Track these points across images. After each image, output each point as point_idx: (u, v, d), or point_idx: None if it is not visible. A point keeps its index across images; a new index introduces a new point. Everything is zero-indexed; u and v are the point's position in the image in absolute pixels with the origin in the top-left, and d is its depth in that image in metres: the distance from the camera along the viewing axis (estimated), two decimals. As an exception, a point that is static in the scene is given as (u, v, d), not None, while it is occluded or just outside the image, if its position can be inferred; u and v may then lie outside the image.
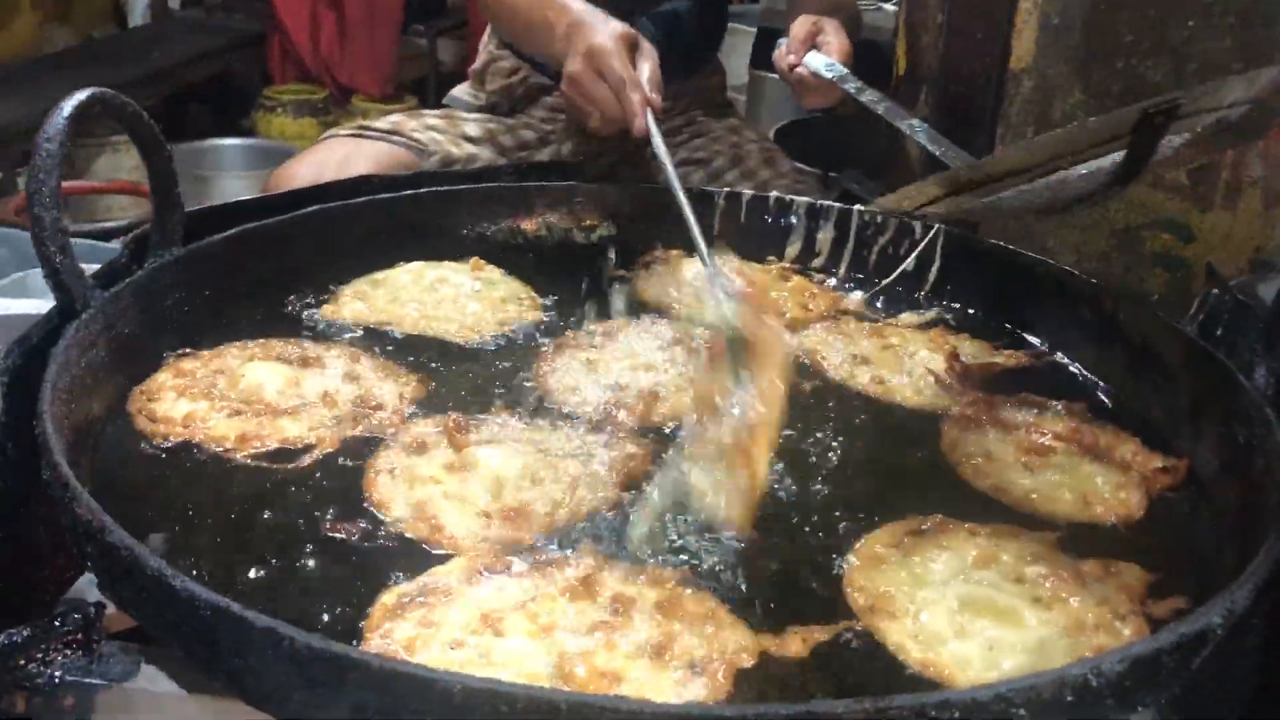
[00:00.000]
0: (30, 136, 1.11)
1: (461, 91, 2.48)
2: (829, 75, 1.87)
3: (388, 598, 0.93)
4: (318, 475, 1.11)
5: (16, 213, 2.77)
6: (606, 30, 1.70)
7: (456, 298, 1.46)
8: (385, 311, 1.42)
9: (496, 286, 1.50)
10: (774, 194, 1.65)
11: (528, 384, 1.30)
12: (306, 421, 1.19)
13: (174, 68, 4.30)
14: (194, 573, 0.94)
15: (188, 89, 4.50)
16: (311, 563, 0.98)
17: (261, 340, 1.32)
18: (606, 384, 1.28)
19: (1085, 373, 1.39)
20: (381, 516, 1.04)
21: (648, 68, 1.69)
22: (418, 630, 0.89)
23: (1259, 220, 2.08)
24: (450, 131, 2.31)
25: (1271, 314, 1.14)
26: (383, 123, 2.29)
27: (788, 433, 1.18)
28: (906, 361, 1.38)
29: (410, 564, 0.97)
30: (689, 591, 0.94)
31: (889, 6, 3.12)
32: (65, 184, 1.28)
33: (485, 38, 2.46)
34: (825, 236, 1.63)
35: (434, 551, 1.00)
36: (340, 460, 1.13)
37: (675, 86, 2.38)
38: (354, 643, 0.88)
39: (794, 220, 1.64)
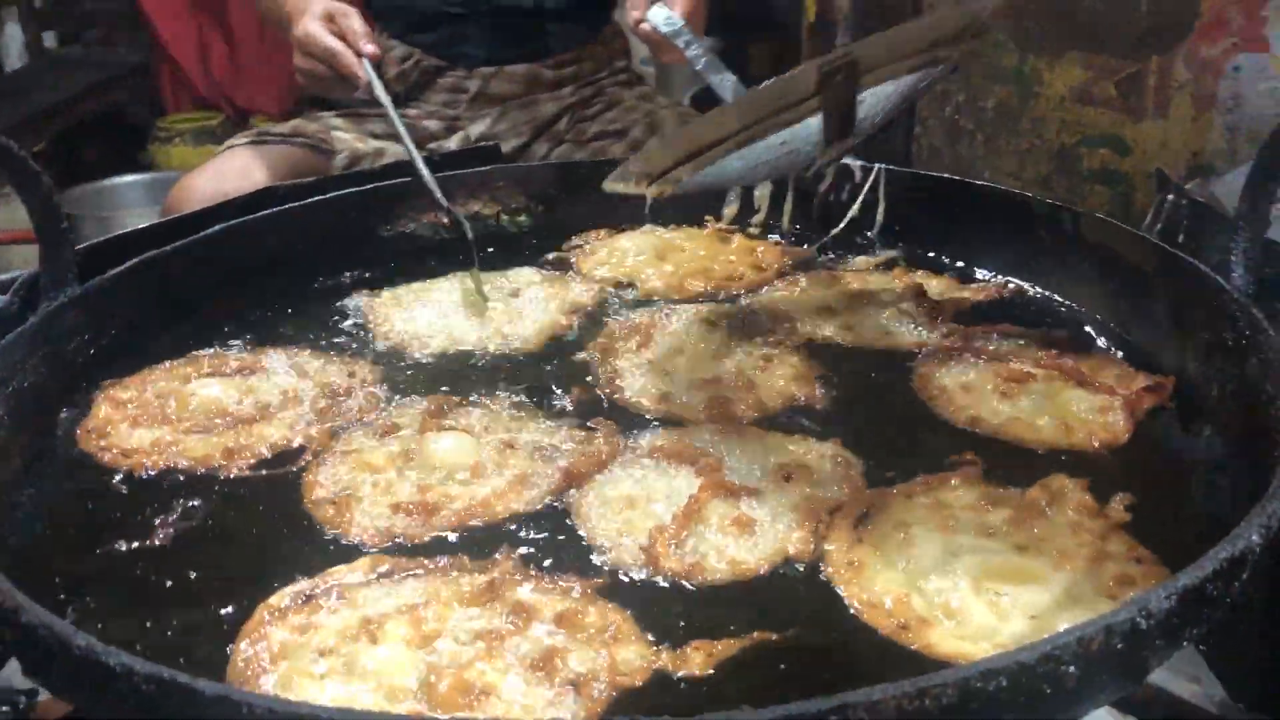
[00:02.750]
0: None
1: (359, 93, 2.37)
2: (665, 29, 1.74)
3: (276, 599, 0.88)
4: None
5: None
6: (304, 15, 1.85)
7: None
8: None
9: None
10: (704, 154, 1.56)
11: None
12: (285, 423, 1.14)
13: (57, 107, 4.12)
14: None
15: (77, 128, 4.31)
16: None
17: (187, 357, 1.25)
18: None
19: (1057, 298, 1.33)
20: (306, 499, 1.02)
21: (352, 23, 1.83)
22: (292, 636, 0.84)
23: (1191, 125, 2.05)
24: (354, 129, 2.20)
25: (1246, 210, 1.09)
26: (282, 127, 2.19)
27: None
28: (872, 307, 1.32)
29: (322, 555, 0.94)
30: (595, 606, 0.87)
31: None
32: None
33: (374, 32, 2.35)
34: (762, 192, 1.55)
35: (343, 542, 0.96)
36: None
37: (576, 51, 2.31)
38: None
39: (730, 179, 1.55)
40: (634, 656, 0.83)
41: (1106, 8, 1.95)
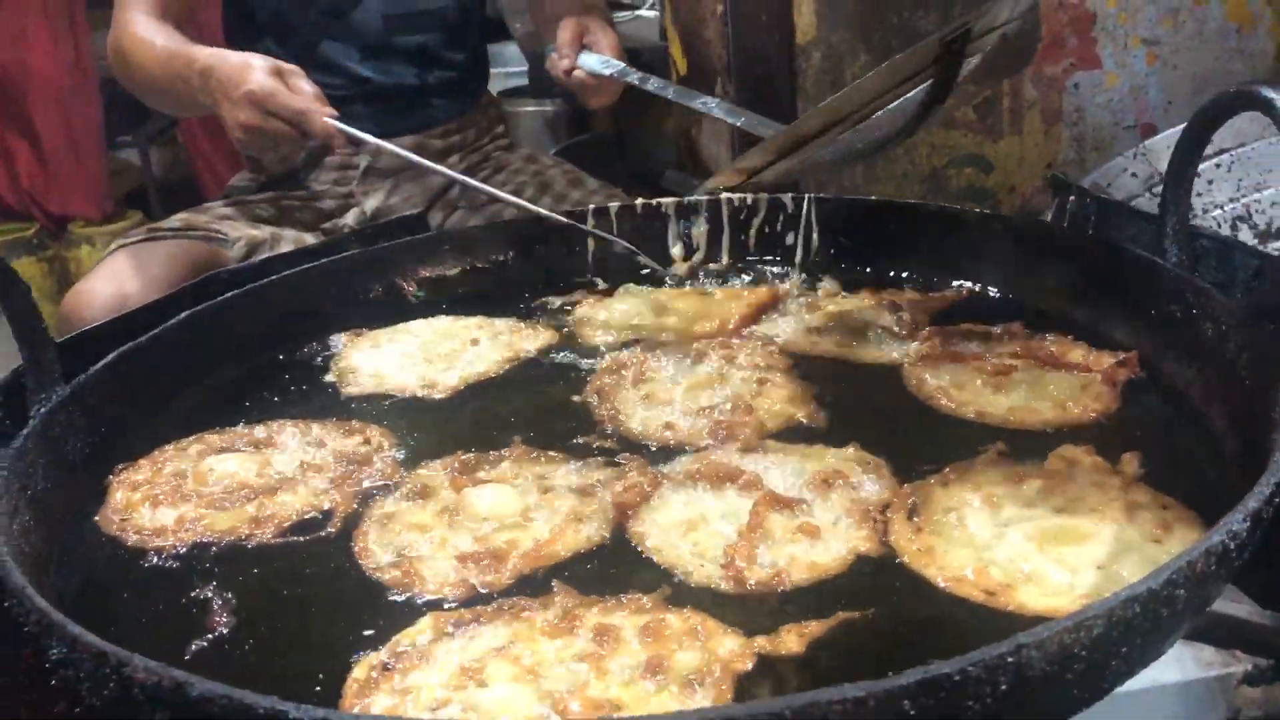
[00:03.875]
0: None
1: (240, 179, 2.35)
2: (608, 72, 1.89)
3: (358, 672, 0.87)
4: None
5: None
6: (253, 71, 1.76)
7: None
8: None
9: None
10: (639, 201, 1.63)
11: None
12: (307, 491, 1.13)
13: None
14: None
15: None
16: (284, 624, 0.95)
17: (195, 436, 1.25)
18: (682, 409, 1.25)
19: (1008, 294, 1.45)
20: (364, 566, 1.02)
21: (304, 84, 1.78)
22: (395, 699, 0.84)
23: (1043, 139, 2.25)
24: (244, 217, 2.17)
25: (1170, 198, 1.22)
26: (171, 222, 2.14)
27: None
28: (852, 326, 1.40)
29: (389, 617, 0.94)
30: (670, 614, 0.90)
31: (647, 13, 3.17)
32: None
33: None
34: (699, 231, 1.63)
35: (416, 600, 0.96)
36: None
37: (458, 120, 2.35)
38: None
39: (668, 222, 1.63)
40: (733, 646, 0.86)
41: (959, 40, 2.13)
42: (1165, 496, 1.00)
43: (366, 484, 1.14)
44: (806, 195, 1.58)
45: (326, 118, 1.74)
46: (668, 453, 1.16)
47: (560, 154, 3.02)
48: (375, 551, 1.03)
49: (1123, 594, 0.72)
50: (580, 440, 1.20)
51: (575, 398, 1.31)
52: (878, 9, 2.12)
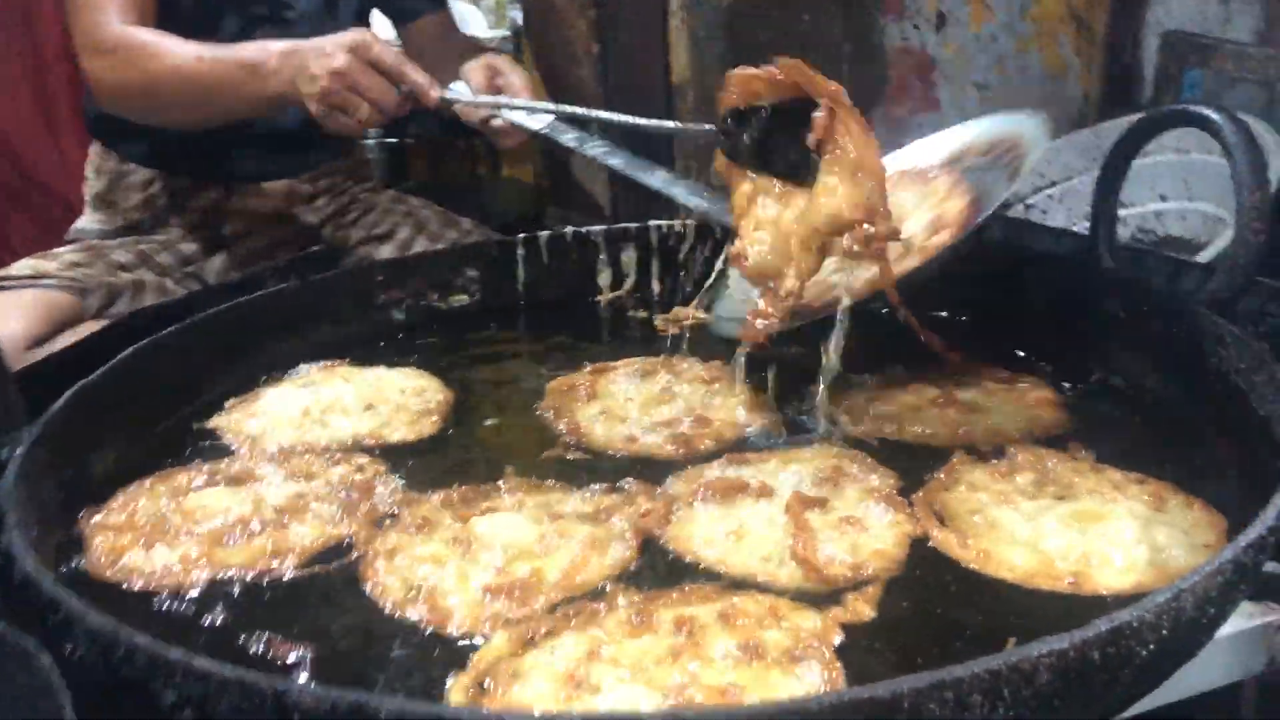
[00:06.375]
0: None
1: (87, 222, 2.19)
2: (536, 127, 1.76)
3: (455, 696, 0.84)
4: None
5: None
6: (351, 31, 1.70)
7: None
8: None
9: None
10: (569, 229, 1.64)
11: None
12: (319, 520, 1.07)
13: None
14: None
15: None
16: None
17: (158, 475, 1.16)
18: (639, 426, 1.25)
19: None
20: (381, 603, 0.96)
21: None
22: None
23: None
24: (98, 263, 2.03)
25: (1098, 205, 1.35)
26: (19, 269, 1.97)
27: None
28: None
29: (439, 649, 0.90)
30: (738, 598, 0.92)
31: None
32: None
33: (96, 159, 2.19)
34: (629, 259, 1.65)
35: (453, 637, 0.92)
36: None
37: (329, 165, 2.29)
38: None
39: (598, 250, 1.64)
40: (814, 621, 0.88)
41: (819, 82, 2.26)
42: (1134, 473, 1.07)
43: (383, 509, 1.09)
44: (733, 221, 1.62)
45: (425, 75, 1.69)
46: (662, 471, 1.15)
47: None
48: (391, 588, 0.98)
49: (1218, 561, 0.78)
50: (549, 454, 1.21)
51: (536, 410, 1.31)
52: (746, 51, 2.22)
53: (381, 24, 2.41)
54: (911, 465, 1.12)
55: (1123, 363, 1.30)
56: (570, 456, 1.21)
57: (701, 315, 1.48)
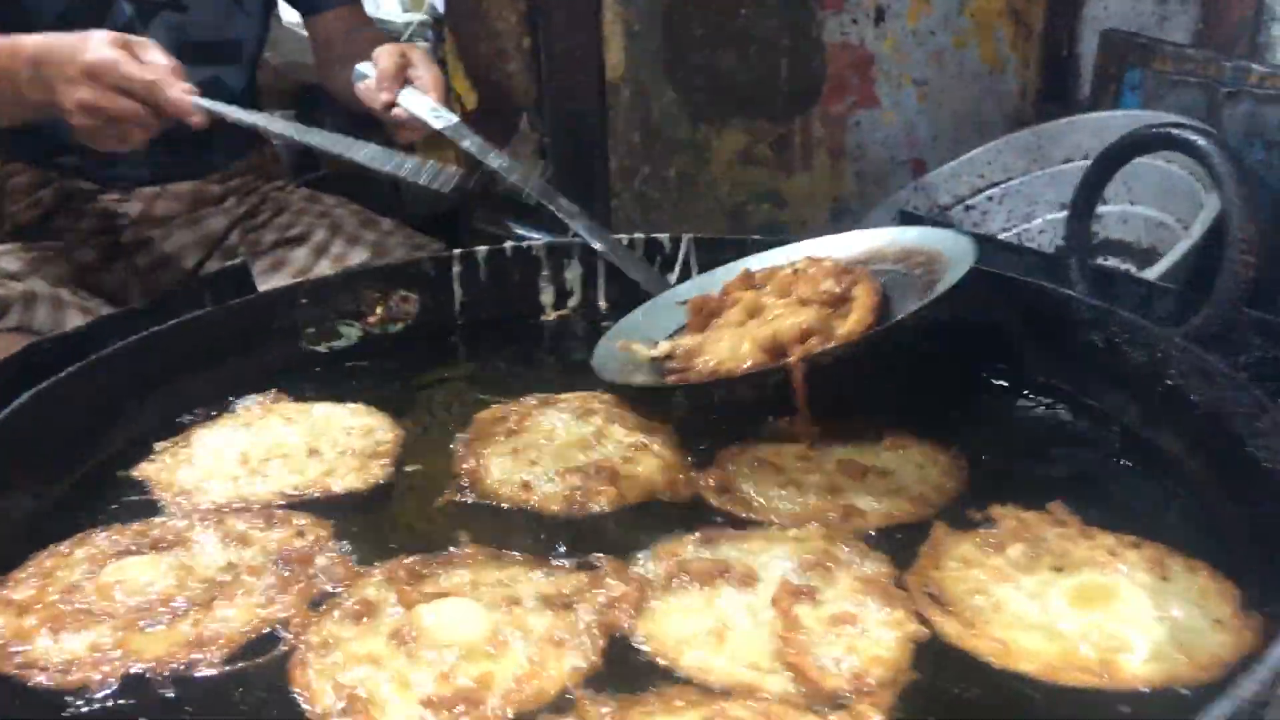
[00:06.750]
0: None
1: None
2: (439, 125, 1.69)
3: None
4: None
5: None
6: (93, 43, 1.49)
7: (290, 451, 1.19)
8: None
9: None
10: (509, 244, 1.54)
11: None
12: (250, 601, 0.95)
13: None
14: None
15: None
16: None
17: (75, 538, 1.04)
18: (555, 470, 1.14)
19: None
20: (308, 710, 0.84)
21: (156, 55, 1.53)
22: None
23: (830, 174, 2.34)
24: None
25: (1072, 235, 1.30)
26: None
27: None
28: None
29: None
30: (726, 703, 0.83)
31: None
32: None
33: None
34: (573, 274, 1.55)
35: None
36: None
37: (239, 163, 2.14)
38: None
39: (539, 266, 1.54)
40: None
41: (757, 79, 2.19)
42: (1127, 535, 1.00)
43: (321, 586, 0.97)
44: (684, 236, 1.54)
45: (184, 91, 1.49)
46: (638, 546, 1.03)
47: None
48: (322, 692, 0.85)
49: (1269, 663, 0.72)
50: (443, 498, 1.12)
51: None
52: (683, 46, 2.13)
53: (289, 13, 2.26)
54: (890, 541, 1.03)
55: (1099, 398, 1.25)
56: (459, 499, 1.11)
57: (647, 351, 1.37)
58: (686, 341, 1.30)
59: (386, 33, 2.38)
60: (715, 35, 2.14)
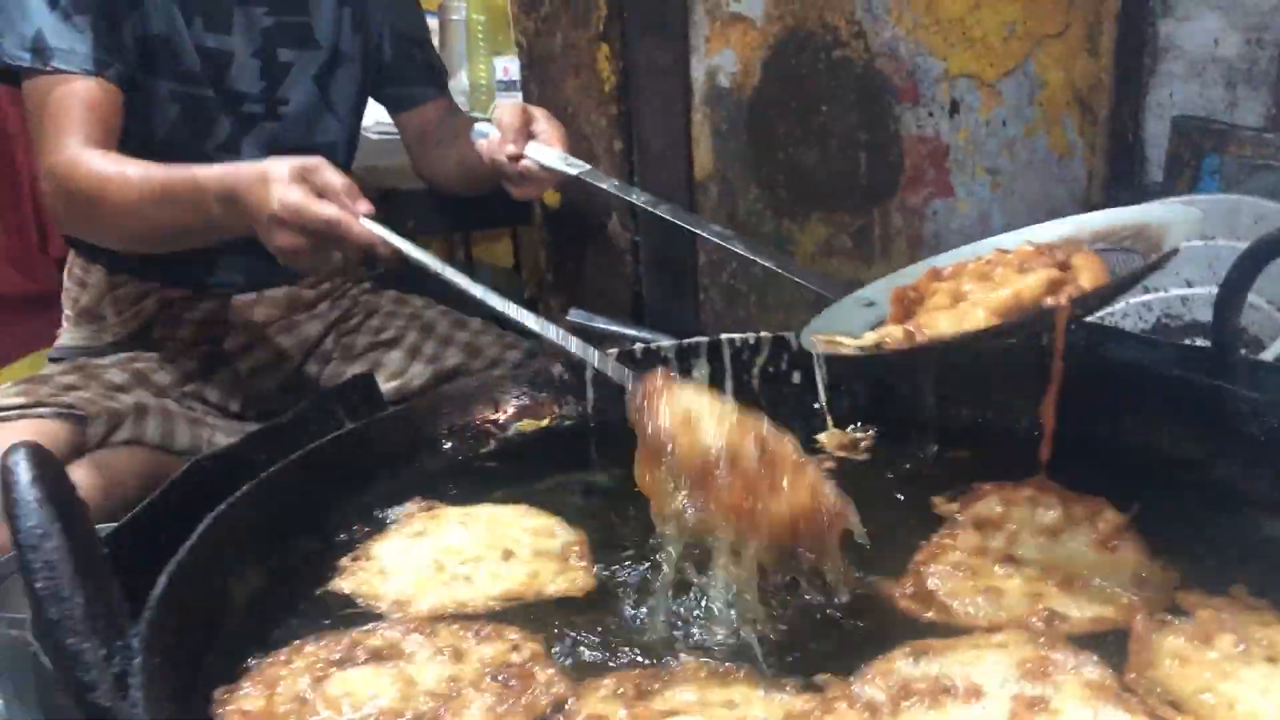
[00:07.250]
0: None
1: (71, 339, 2.02)
2: (574, 172, 1.74)
3: None
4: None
5: None
6: (272, 186, 1.47)
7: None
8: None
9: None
10: (638, 346, 1.55)
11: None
12: (485, 717, 0.95)
13: None
14: None
15: None
16: None
17: (291, 647, 1.04)
18: None
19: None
20: None
21: (331, 177, 1.49)
22: None
23: (908, 264, 2.35)
24: (92, 385, 1.87)
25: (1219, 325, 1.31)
26: (9, 397, 1.80)
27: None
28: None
29: None
30: None
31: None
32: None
33: (78, 271, 2.03)
34: (700, 375, 1.56)
35: None
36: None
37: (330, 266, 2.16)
38: None
39: (669, 366, 1.55)
40: None
41: (837, 173, 2.22)
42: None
43: (546, 700, 0.97)
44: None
45: (362, 218, 1.46)
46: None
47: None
48: None
49: None
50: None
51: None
52: (766, 144, 2.16)
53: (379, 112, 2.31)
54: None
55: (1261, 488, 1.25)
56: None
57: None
58: (894, 330, 1.25)
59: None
60: (797, 133, 2.17)
